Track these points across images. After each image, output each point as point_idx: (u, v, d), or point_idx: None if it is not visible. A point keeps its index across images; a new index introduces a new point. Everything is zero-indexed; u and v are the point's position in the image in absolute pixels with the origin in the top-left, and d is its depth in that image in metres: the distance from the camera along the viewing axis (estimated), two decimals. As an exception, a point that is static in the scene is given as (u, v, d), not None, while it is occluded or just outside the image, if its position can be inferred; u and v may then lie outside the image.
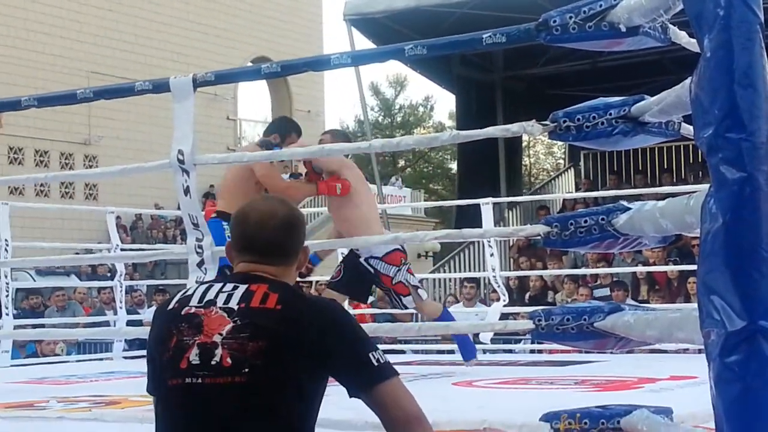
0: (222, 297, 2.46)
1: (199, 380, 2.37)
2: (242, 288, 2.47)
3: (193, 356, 2.39)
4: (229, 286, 2.49)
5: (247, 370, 2.35)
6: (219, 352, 2.37)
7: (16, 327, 8.62)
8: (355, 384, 2.43)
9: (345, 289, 6.82)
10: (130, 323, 9.28)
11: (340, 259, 7.32)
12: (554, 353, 8.86)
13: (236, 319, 2.40)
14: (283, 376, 2.37)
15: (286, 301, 2.44)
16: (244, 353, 2.36)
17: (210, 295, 2.48)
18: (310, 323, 2.41)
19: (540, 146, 44.71)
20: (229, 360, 2.36)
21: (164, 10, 27.91)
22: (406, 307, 6.81)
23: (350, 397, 2.47)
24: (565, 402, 3.41)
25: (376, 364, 2.42)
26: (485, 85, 18.83)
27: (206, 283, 2.56)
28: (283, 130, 6.68)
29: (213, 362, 2.37)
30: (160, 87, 4.24)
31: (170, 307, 2.52)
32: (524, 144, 28.65)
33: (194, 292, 2.53)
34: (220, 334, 2.39)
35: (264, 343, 2.36)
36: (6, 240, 8.22)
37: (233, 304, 2.44)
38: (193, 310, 2.46)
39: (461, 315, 10.45)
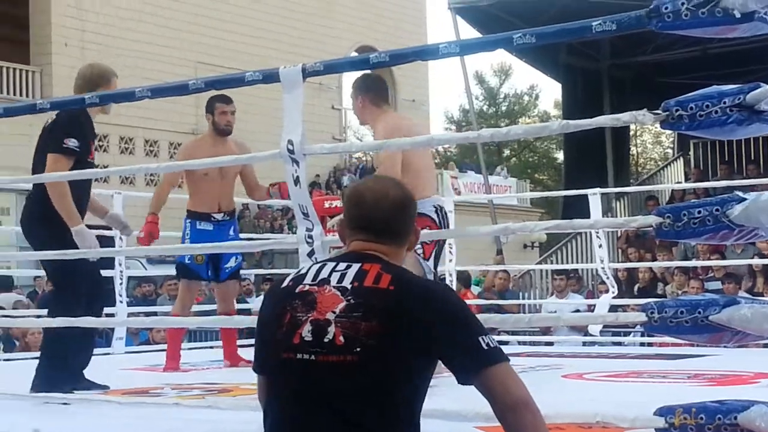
0: (336, 276, 2.50)
1: (312, 357, 2.41)
2: (355, 267, 2.51)
3: (306, 332, 2.43)
4: (342, 265, 2.53)
5: (359, 349, 2.38)
6: (332, 329, 2.41)
7: (129, 315, 8.79)
8: (464, 368, 2.44)
9: None
10: (239, 312, 9.38)
11: None
12: (664, 346, 8.72)
13: (349, 297, 2.44)
14: (393, 358, 2.39)
15: (398, 282, 2.46)
16: (357, 333, 2.39)
17: (324, 274, 2.52)
18: (422, 306, 2.43)
19: (647, 135, 44.16)
20: (341, 338, 2.39)
21: (269, 0, 28.14)
22: None
23: (459, 383, 2.47)
24: (678, 396, 3.36)
25: (485, 348, 2.43)
26: (592, 73, 18.63)
27: (320, 262, 2.60)
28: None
29: (326, 339, 2.41)
30: (270, 77, 4.26)
31: (284, 285, 2.57)
32: (631, 133, 28.28)
33: (308, 270, 2.57)
34: (333, 312, 2.43)
35: (376, 323, 2.39)
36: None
37: (346, 282, 2.47)
38: (306, 287, 2.51)
39: (554, 306, 10.39)
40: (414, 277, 2.55)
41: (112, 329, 8.93)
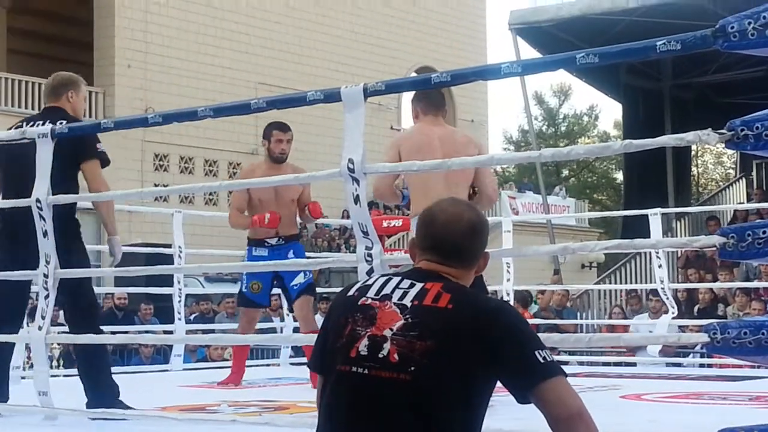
0: (398, 293, 2.50)
1: (366, 371, 2.41)
2: (419, 285, 2.51)
3: (363, 347, 2.44)
4: (406, 282, 2.53)
5: (413, 368, 2.37)
6: (387, 346, 2.41)
7: (187, 332, 8.84)
8: (521, 384, 2.42)
9: None
10: (296, 330, 9.43)
11: None
12: (725, 368, 8.62)
13: (408, 316, 2.44)
14: (449, 378, 2.38)
15: (458, 302, 2.45)
16: (412, 352, 2.39)
17: (387, 290, 2.52)
18: (479, 324, 2.42)
19: (708, 156, 43.74)
20: (396, 356, 2.39)
21: (330, 21, 28.33)
22: None
23: (518, 402, 2.45)
24: (740, 418, 3.33)
25: (542, 361, 2.41)
26: (653, 93, 18.52)
27: (386, 275, 2.60)
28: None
29: (380, 355, 2.41)
30: (331, 97, 4.28)
31: (350, 293, 2.58)
32: (693, 153, 28.04)
33: (374, 282, 2.58)
34: (391, 329, 2.43)
35: (432, 343, 2.39)
36: (180, 247, 8.46)
37: (407, 300, 2.48)
38: (369, 301, 2.52)
39: (645, 328, 10.26)
40: (474, 296, 2.53)
41: (171, 346, 8.99)
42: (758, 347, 2.97)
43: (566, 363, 9.75)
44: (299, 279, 7.09)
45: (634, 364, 9.67)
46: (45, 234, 4.89)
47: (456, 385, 2.39)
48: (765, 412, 4.91)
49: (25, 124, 5.40)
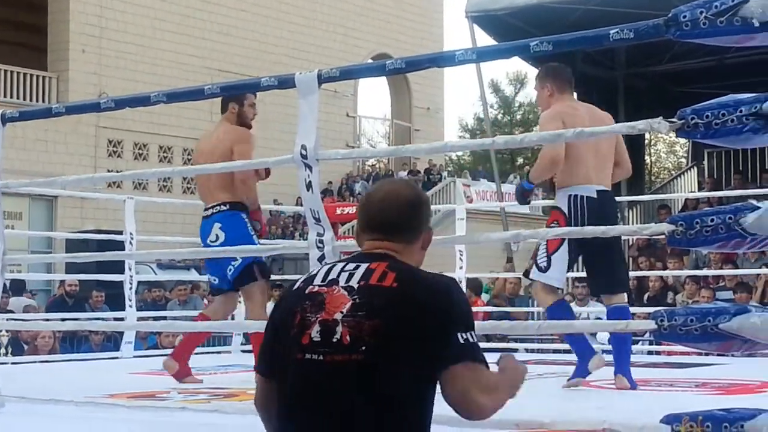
0: (344, 276, 2.50)
1: (320, 357, 2.40)
2: (363, 266, 2.51)
3: (315, 333, 2.43)
4: (351, 265, 2.53)
5: (363, 348, 2.37)
6: (339, 329, 2.40)
7: (138, 319, 8.79)
8: (437, 361, 2.40)
9: None
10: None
11: None
12: (672, 355, 8.69)
13: (355, 297, 2.44)
14: (397, 356, 2.38)
15: (403, 280, 2.46)
16: (361, 332, 2.39)
17: (333, 275, 2.52)
18: (425, 304, 2.42)
19: (661, 145, 44.08)
20: (348, 338, 2.39)
21: (288, 8, 28.29)
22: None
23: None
24: (685, 404, 3.35)
25: (462, 343, 2.40)
26: (607, 82, 18.62)
27: (331, 263, 2.60)
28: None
29: (334, 339, 2.40)
30: (286, 83, 4.27)
31: (295, 288, 2.57)
32: (645, 142, 28.23)
33: (318, 272, 2.57)
34: (341, 312, 2.42)
35: (379, 322, 2.39)
36: (131, 233, 8.40)
37: (354, 282, 2.47)
38: (316, 288, 2.51)
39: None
40: (420, 273, 2.53)
41: (121, 333, 8.94)
42: (704, 334, 3.00)
43: (516, 350, 9.81)
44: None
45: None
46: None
47: (405, 362, 2.38)
48: (710, 399, 4.96)
49: None
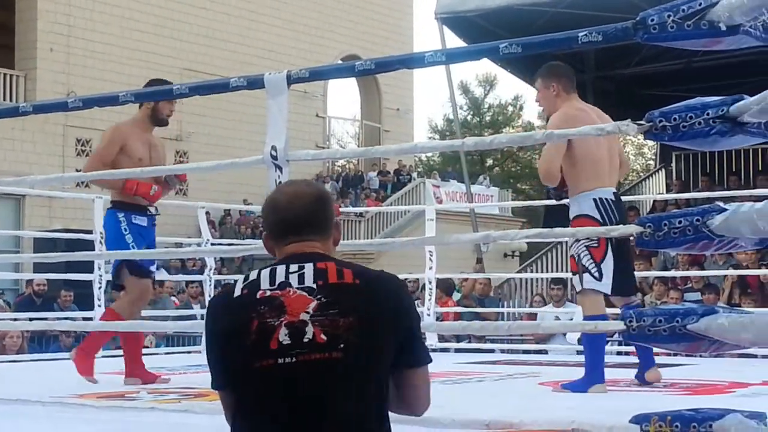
0: (293, 277, 2.47)
1: (293, 359, 2.36)
2: (309, 266, 2.49)
3: (283, 336, 2.38)
4: (294, 267, 2.50)
5: (342, 345, 2.37)
6: (310, 329, 2.38)
7: (108, 318, 8.74)
8: (402, 360, 2.46)
9: None
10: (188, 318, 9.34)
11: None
12: (643, 356, 8.74)
13: (319, 296, 2.42)
14: (376, 352, 2.40)
15: (361, 276, 2.47)
16: (337, 329, 2.37)
17: (280, 277, 2.48)
18: (387, 299, 2.46)
19: (630, 147, 44.27)
20: (323, 336, 2.37)
21: (257, 8, 28.21)
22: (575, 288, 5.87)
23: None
24: (654, 404, 3.38)
25: (424, 345, 2.52)
26: (576, 84, 18.65)
27: (266, 267, 2.54)
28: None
29: (305, 340, 2.37)
30: (255, 83, 4.27)
31: (237, 294, 2.50)
32: (614, 144, 28.35)
33: (259, 276, 2.52)
34: (307, 312, 2.40)
35: (354, 319, 2.39)
36: (100, 233, 8.35)
37: (309, 282, 2.45)
38: (268, 293, 2.45)
39: (551, 316, 10.40)
40: (370, 270, 2.55)
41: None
42: (672, 335, 3.02)
43: (491, 351, 9.84)
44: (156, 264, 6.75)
45: (546, 352, 9.80)
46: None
47: (383, 357, 2.41)
48: (679, 399, 5.00)
49: None
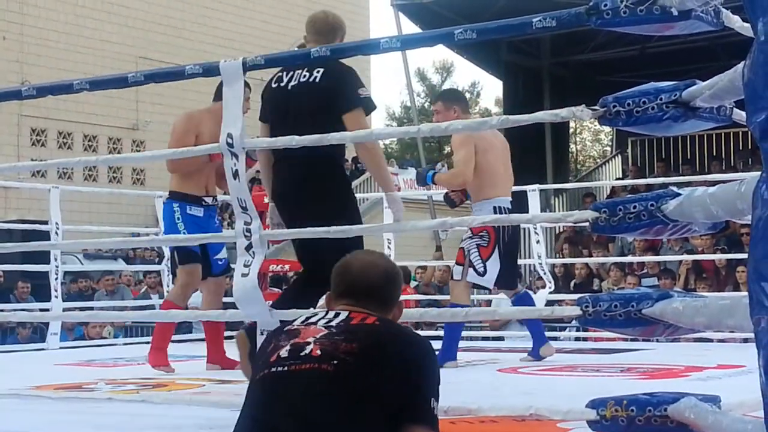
0: (323, 320, 2.60)
1: (286, 368, 2.47)
2: (343, 314, 2.61)
3: (284, 352, 2.51)
4: (331, 314, 2.64)
5: (336, 362, 2.43)
6: (309, 347, 2.48)
7: (64, 310, 8.69)
8: (401, 412, 2.47)
9: None
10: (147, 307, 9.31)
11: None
12: (599, 341, 8.82)
13: (332, 329, 2.53)
14: (367, 377, 2.43)
15: (384, 321, 2.59)
16: (336, 350, 2.46)
17: (312, 319, 2.63)
18: (402, 346, 2.51)
19: (587, 133, 44.53)
20: (318, 351, 2.46)
21: (212, -4, 28.03)
22: (452, 277, 6.52)
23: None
24: (611, 389, 3.40)
25: (432, 408, 2.51)
26: (532, 71, 18.75)
27: (312, 313, 2.72)
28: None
29: (302, 354, 2.48)
30: (210, 71, 4.25)
31: (275, 328, 2.77)
32: (571, 131, 28.51)
33: (298, 318, 2.71)
34: (314, 337, 2.52)
35: (356, 345, 2.46)
36: (56, 223, 8.30)
37: (333, 323, 2.58)
38: (294, 327, 2.62)
39: (506, 303, 10.44)
40: (401, 326, 2.67)
41: (47, 324, 8.84)
42: (628, 320, 3.04)
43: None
44: (224, 253, 6.64)
45: (504, 339, 9.85)
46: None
47: (378, 395, 2.44)
48: (635, 383, 5.04)
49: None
